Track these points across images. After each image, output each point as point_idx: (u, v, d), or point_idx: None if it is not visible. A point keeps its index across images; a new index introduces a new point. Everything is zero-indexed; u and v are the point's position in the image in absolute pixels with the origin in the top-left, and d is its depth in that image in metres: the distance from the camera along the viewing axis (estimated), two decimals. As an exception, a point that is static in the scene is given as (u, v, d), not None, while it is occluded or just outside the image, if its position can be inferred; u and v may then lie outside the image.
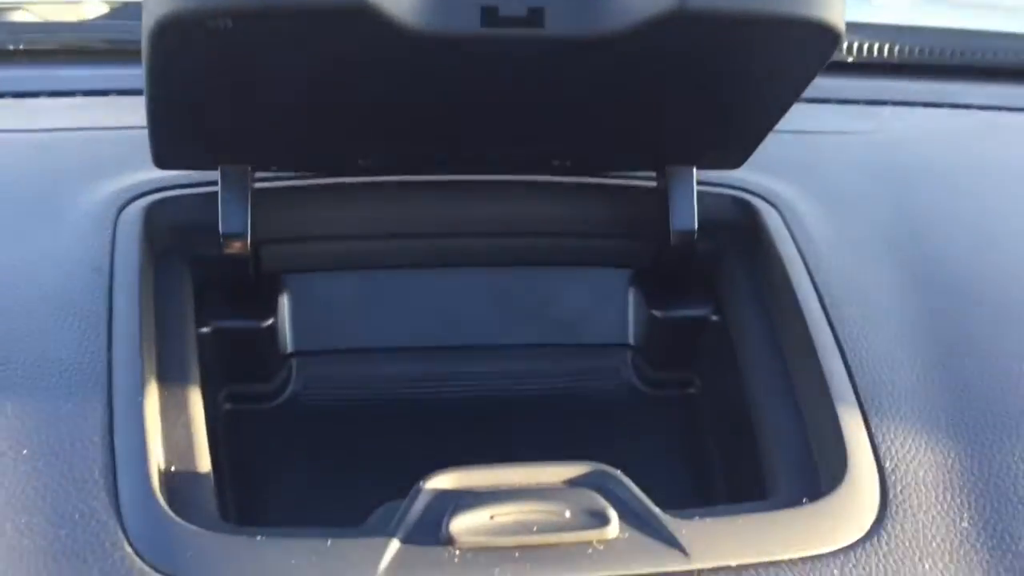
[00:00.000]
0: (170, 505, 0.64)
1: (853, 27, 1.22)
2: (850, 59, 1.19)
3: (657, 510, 0.64)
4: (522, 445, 0.82)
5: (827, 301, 0.80)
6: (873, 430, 0.70)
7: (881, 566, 0.64)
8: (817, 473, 0.71)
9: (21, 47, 1.11)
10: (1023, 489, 0.69)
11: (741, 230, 0.87)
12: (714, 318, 0.87)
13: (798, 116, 0.94)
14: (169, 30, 0.63)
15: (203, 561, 0.61)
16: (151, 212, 0.82)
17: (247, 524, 0.68)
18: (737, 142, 0.83)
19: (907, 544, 0.65)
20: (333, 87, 0.72)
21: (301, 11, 0.63)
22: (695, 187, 0.84)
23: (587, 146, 0.83)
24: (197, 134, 0.77)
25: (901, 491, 0.67)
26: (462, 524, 0.62)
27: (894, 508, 0.67)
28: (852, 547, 0.65)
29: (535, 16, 0.65)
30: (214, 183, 0.80)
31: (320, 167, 0.84)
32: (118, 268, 0.77)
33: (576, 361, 0.89)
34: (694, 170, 0.84)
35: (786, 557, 0.64)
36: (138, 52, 1.09)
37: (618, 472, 0.65)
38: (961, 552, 0.66)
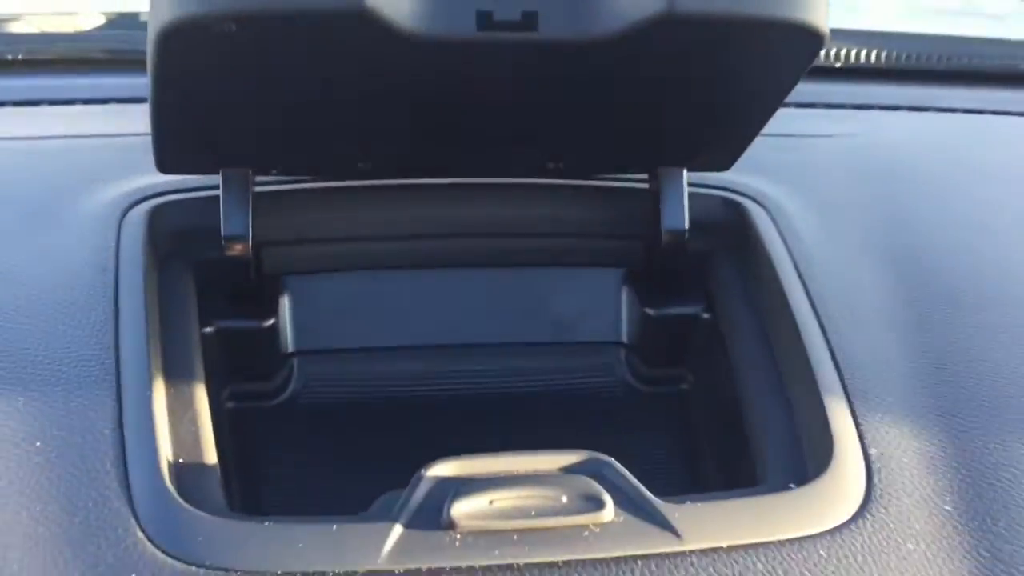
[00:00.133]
0: (179, 494, 0.66)
1: (840, 34, 1.26)
2: (837, 64, 1.23)
3: (650, 495, 0.67)
4: (519, 440, 0.85)
5: (815, 297, 0.83)
6: (859, 419, 0.74)
7: (866, 547, 0.67)
8: (805, 461, 0.74)
9: (20, 57, 1.15)
10: (1003, 473, 0.72)
11: (731, 230, 0.90)
12: (705, 315, 0.90)
13: (786, 120, 0.98)
14: (175, 34, 0.66)
15: (212, 546, 0.64)
16: (154, 216, 0.85)
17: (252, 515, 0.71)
18: (726, 144, 0.86)
19: (891, 526, 0.68)
20: (332, 91, 0.75)
21: (301, 15, 0.66)
22: (685, 188, 0.87)
23: (580, 148, 0.86)
24: (199, 138, 0.80)
25: (886, 476, 0.70)
26: (462, 509, 0.65)
27: (879, 492, 0.70)
28: (838, 529, 0.68)
29: (529, 20, 0.68)
30: (215, 187, 0.83)
31: (320, 170, 0.87)
32: (123, 269, 0.80)
33: (571, 358, 0.92)
34: (684, 172, 0.87)
35: (775, 539, 0.66)
36: (135, 61, 1.13)
37: (612, 460, 0.68)
38: (943, 534, 0.69)
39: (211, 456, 0.71)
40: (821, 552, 0.66)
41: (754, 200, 0.91)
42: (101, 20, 1.26)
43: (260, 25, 0.67)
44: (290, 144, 0.83)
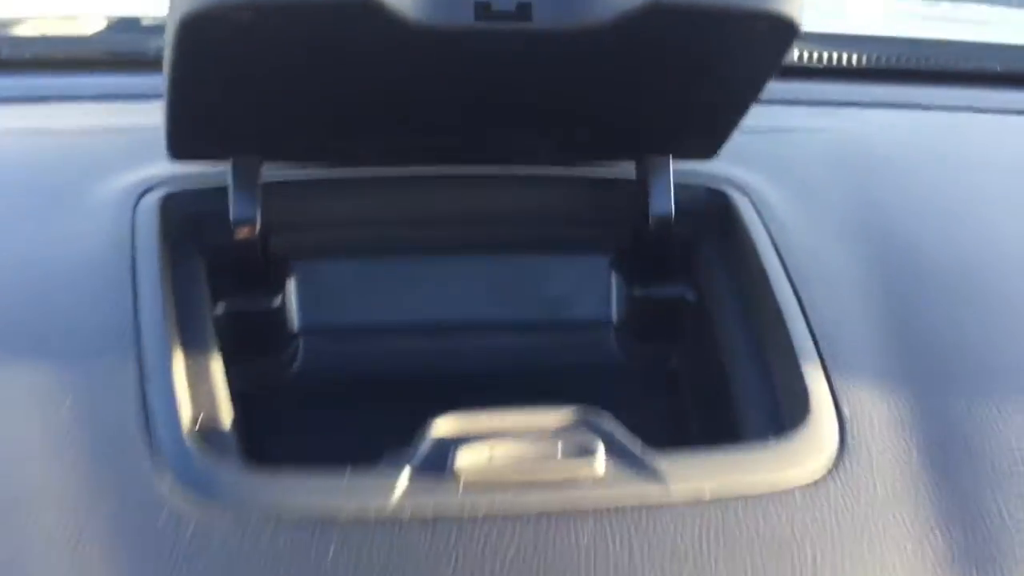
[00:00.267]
0: (198, 448, 0.73)
1: (825, 38, 1.33)
2: (820, 65, 1.30)
3: (640, 446, 0.74)
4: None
5: (794, 277, 0.89)
6: (833, 383, 0.80)
7: (840, 497, 0.74)
8: (783, 420, 0.80)
9: (27, 57, 1.21)
10: (965, 430, 0.79)
11: (715, 217, 0.97)
12: (691, 296, 0.97)
13: (768, 116, 1.05)
14: (195, 23, 0.72)
15: (232, 490, 0.70)
16: (166, 203, 0.91)
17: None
18: (710, 131, 0.93)
19: (864, 479, 0.75)
20: (337, 80, 0.82)
21: (309, 5, 0.73)
22: (671, 175, 0.94)
23: (572, 135, 0.93)
24: (211, 126, 0.87)
25: (858, 433, 0.77)
26: (465, 460, 0.71)
27: (852, 448, 0.76)
28: (815, 483, 0.74)
29: (524, 11, 0.74)
30: (224, 177, 0.90)
31: (323, 158, 0.94)
32: (139, 251, 0.86)
33: (563, 337, 0.98)
34: (670, 159, 0.94)
35: (755, 492, 0.73)
36: (137, 63, 1.20)
37: (605, 413, 0.75)
38: (912, 485, 0.75)
39: (227, 418, 0.78)
40: (797, 502, 0.73)
41: (737, 188, 0.98)
42: (103, 24, 1.32)
43: (271, 15, 0.73)
44: (295, 132, 0.89)
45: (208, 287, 0.90)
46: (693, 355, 0.96)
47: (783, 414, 0.82)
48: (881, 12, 1.65)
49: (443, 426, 0.73)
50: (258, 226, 0.89)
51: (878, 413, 0.79)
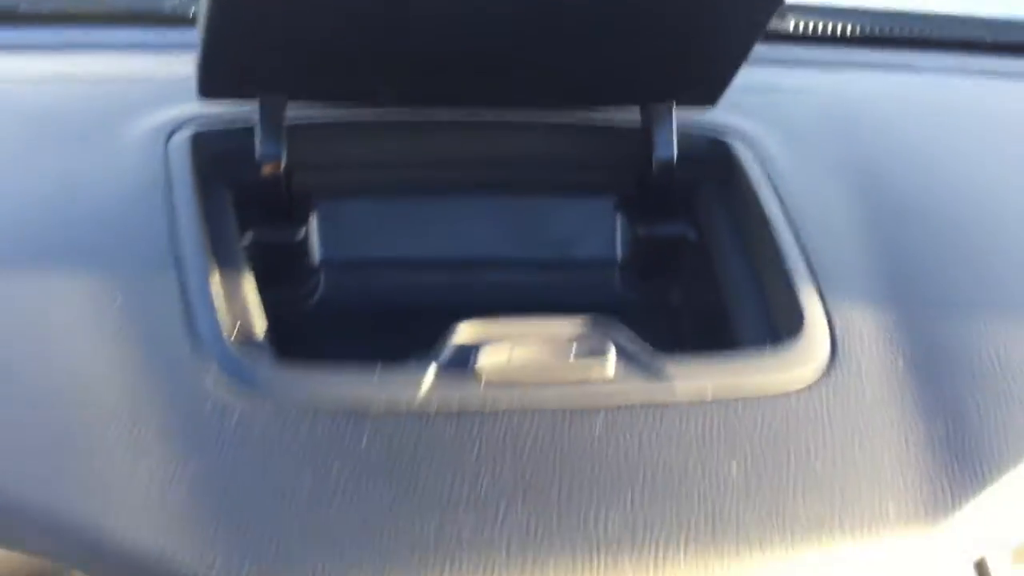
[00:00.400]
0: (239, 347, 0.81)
1: (816, 10, 1.42)
2: (815, 35, 1.39)
3: (648, 352, 0.82)
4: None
5: (790, 213, 0.96)
6: (826, 302, 0.88)
7: (832, 399, 0.82)
8: (779, 334, 0.88)
9: (46, 12, 1.28)
10: (948, 342, 0.87)
11: (715, 161, 1.04)
12: (692, 235, 1.04)
13: (764, 76, 1.14)
14: None
15: (273, 383, 0.77)
16: (196, 139, 0.97)
17: None
18: (710, 78, 1.00)
19: (854, 383, 0.83)
20: (358, 19, 0.89)
21: None
22: (674, 121, 1.02)
23: (579, 81, 1.01)
24: (241, 64, 0.93)
25: (849, 344, 0.85)
26: (486, 360, 0.78)
27: (843, 357, 0.84)
28: (809, 386, 0.83)
29: None
30: (249, 118, 0.96)
31: (344, 97, 1.01)
32: (174, 182, 0.92)
33: (570, 275, 1.05)
34: (673, 106, 1.02)
35: (753, 393, 0.81)
36: (153, 17, 1.27)
37: (616, 322, 0.83)
38: (898, 389, 0.83)
39: (260, 328, 0.85)
40: (794, 401, 0.81)
41: (735, 135, 1.06)
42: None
43: None
44: (318, 71, 0.96)
45: (235, 219, 0.97)
46: (694, 289, 1.04)
47: (779, 330, 0.89)
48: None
49: (466, 331, 0.81)
50: (283, 164, 0.96)
51: (867, 328, 0.87)
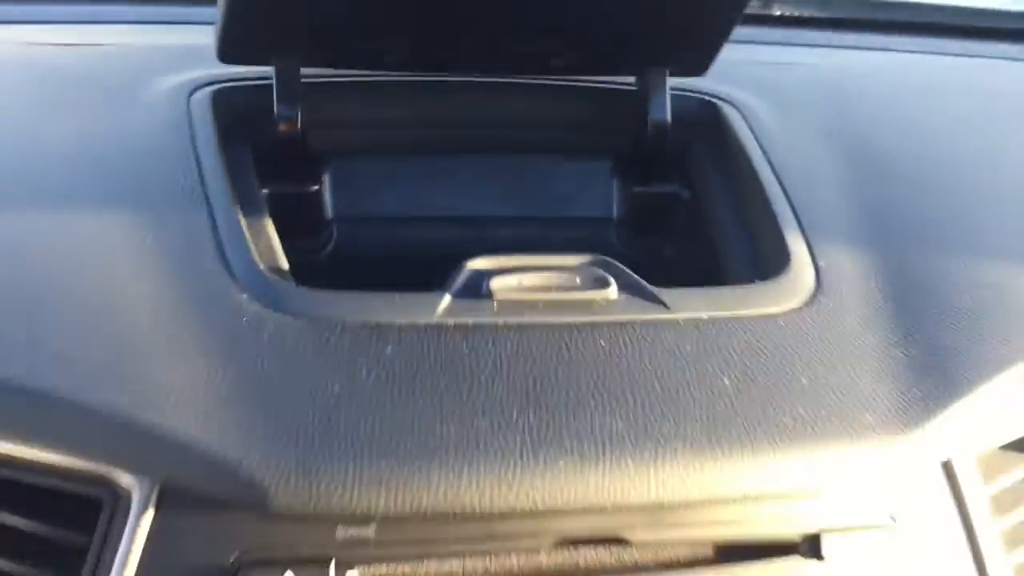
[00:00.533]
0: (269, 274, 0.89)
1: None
2: (804, 15, 1.49)
3: (646, 282, 0.91)
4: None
5: (778, 170, 1.06)
6: (811, 244, 0.97)
7: (817, 324, 0.91)
8: (768, 273, 0.97)
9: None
10: (925, 280, 0.97)
11: (707, 124, 1.13)
12: (685, 194, 1.13)
13: (753, 52, 1.24)
14: None
15: (303, 305, 0.86)
16: (216, 96, 1.05)
17: None
18: (701, 46, 1.10)
19: (836, 312, 0.92)
20: None
21: None
22: (668, 86, 1.11)
23: (578, 47, 1.10)
24: (259, 31, 1.01)
25: (832, 278, 0.94)
26: (498, 284, 0.87)
27: (826, 290, 0.93)
28: (795, 309, 0.92)
29: None
30: (268, 78, 1.06)
31: (355, 62, 1.10)
32: (197, 131, 1.00)
33: (568, 231, 1.13)
34: (667, 72, 1.12)
35: (746, 314, 0.91)
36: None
37: (616, 260, 0.92)
38: (877, 318, 0.93)
39: (285, 264, 0.94)
40: (781, 324, 0.90)
41: (726, 101, 1.15)
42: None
43: None
44: (331, 37, 1.04)
45: (255, 172, 1.06)
46: (686, 243, 1.13)
47: (767, 272, 0.98)
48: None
49: (478, 262, 0.90)
50: (299, 123, 1.05)
51: (850, 266, 0.96)
